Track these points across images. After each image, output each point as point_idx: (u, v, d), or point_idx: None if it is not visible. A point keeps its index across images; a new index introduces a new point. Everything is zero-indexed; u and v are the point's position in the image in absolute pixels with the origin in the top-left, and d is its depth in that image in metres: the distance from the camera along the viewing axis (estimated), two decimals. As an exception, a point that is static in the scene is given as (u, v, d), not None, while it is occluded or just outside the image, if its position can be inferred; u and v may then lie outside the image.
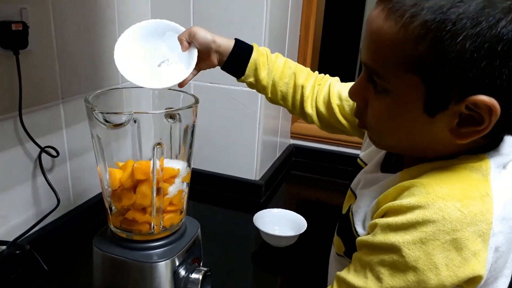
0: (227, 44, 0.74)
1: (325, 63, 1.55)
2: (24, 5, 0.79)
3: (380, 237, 0.47)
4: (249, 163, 1.22)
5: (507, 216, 0.47)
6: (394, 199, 0.49)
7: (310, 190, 1.42)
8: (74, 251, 0.94)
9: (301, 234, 0.98)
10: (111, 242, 0.75)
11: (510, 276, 0.54)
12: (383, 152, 0.61)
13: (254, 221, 1.01)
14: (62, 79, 0.92)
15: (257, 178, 1.24)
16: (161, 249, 0.74)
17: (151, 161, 0.71)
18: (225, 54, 0.74)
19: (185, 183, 0.77)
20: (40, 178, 0.90)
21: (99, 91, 0.75)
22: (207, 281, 0.77)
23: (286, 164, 1.46)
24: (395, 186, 0.50)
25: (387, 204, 0.49)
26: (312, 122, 0.78)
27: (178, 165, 0.76)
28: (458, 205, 0.44)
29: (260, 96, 1.13)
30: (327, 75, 0.79)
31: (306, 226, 0.99)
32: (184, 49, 0.73)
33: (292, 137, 1.54)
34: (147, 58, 0.74)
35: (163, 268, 0.72)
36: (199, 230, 0.82)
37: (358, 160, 0.68)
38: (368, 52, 0.50)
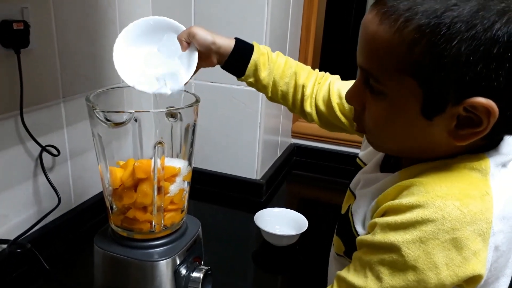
0: (228, 44, 0.73)
1: (326, 63, 1.55)
2: (25, 4, 0.79)
3: (380, 237, 0.47)
4: (250, 162, 1.22)
5: (508, 215, 0.47)
6: (394, 198, 0.49)
7: (311, 189, 1.42)
8: (75, 250, 0.95)
9: (302, 233, 0.98)
10: (112, 241, 0.75)
11: (511, 276, 0.54)
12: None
13: (255, 220, 1.01)
14: (63, 78, 0.92)
15: (258, 177, 1.24)
16: (162, 248, 0.74)
17: (152, 160, 0.71)
18: (225, 55, 0.73)
19: (186, 182, 0.77)
20: (41, 177, 0.90)
21: (100, 90, 0.75)
22: (208, 280, 0.77)
23: (287, 163, 1.46)
24: (394, 185, 0.50)
25: (386, 204, 0.49)
26: (312, 120, 0.78)
27: (179, 164, 0.76)
28: (457, 204, 0.44)
29: (261, 96, 1.13)
30: (327, 73, 0.79)
31: (307, 225, 0.99)
32: (183, 49, 0.72)
33: (293, 136, 1.54)
34: (147, 60, 0.73)
35: (164, 267, 0.72)
36: (200, 229, 0.82)
37: (357, 159, 0.68)
38: (363, 56, 0.50)
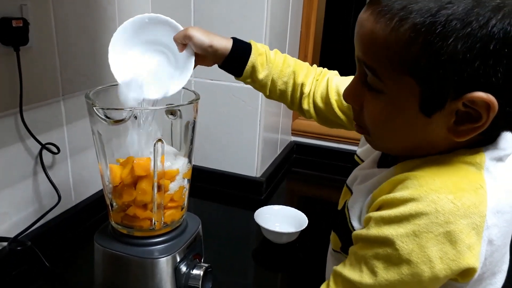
0: (225, 46, 0.71)
1: (326, 60, 1.55)
2: (24, 2, 0.79)
3: (374, 231, 0.47)
4: (250, 160, 1.22)
5: (502, 209, 0.47)
6: (389, 192, 0.49)
7: (311, 187, 1.42)
8: (75, 248, 0.95)
9: (302, 231, 0.98)
10: (112, 238, 0.75)
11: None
12: None
13: (255, 217, 1.01)
14: (62, 76, 0.92)
15: (258, 175, 1.24)
16: (162, 245, 0.74)
17: (152, 158, 0.71)
18: (222, 57, 0.72)
19: (186, 180, 0.77)
20: (41, 175, 0.90)
21: (100, 87, 0.75)
22: (208, 277, 0.78)
23: (287, 161, 1.46)
24: (389, 179, 0.50)
25: (381, 198, 0.49)
26: (310, 117, 0.78)
27: (178, 165, 0.76)
28: (451, 197, 0.44)
29: (261, 94, 1.12)
30: (325, 69, 0.79)
31: (307, 222, 0.99)
32: (180, 51, 0.70)
33: (293, 134, 1.54)
34: (144, 61, 0.72)
35: (164, 264, 0.72)
36: (200, 226, 0.82)
37: (355, 156, 0.68)
38: (362, 52, 0.50)
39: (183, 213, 0.80)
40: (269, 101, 1.18)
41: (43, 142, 0.88)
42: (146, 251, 0.73)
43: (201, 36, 0.69)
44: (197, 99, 0.74)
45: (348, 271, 0.50)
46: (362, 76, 0.51)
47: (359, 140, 0.70)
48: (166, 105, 0.72)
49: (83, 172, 1.02)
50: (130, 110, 0.66)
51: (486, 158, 0.49)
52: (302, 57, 1.44)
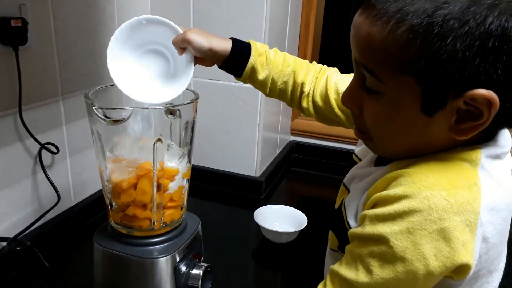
0: (224, 49, 0.70)
1: (325, 60, 1.54)
2: (23, 1, 0.79)
3: (369, 228, 0.47)
4: (249, 160, 1.22)
5: (497, 207, 0.47)
6: (383, 189, 0.49)
7: (311, 187, 1.42)
8: (75, 247, 0.95)
9: (301, 230, 0.98)
10: (111, 238, 0.75)
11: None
12: None
13: (254, 217, 1.01)
14: (61, 76, 0.91)
15: (258, 174, 1.24)
16: (162, 245, 0.74)
17: (151, 157, 0.71)
18: (222, 59, 0.71)
19: (185, 179, 0.77)
20: (40, 175, 0.90)
21: (99, 87, 0.75)
22: (207, 277, 0.78)
23: (286, 161, 1.46)
24: (384, 177, 0.50)
25: (375, 195, 0.49)
26: (309, 115, 0.78)
27: (177, 164, 0.76)
28: (444, 194, 0.44)
29: (261, 93, 1.12)
30: (325, 66, 0.79)
31: (306, 222, 0.99)
32: (179, 54, 0.70)
33: (292, 134, 1.54)
34: (143, 64, 0.71)
35: (164, 264, 0.72)
36: (199, 226, 0.82)
37: (353, 156, 0.68)
38: (359, 54, 0.50)
39: (182, 212, 0.80)
40: (268, 101, 1.19)
41: (42, 142, 0.88)
42: (145, 251, 0.73)
43: (200, 40, 0.68)
44: (197, 98, 0.74)
45: (344, 270, 0.50)
46: (360, 78, 0.51)
47: (358, 139, 0.70)
48: (166, 104, 0.72)
49: (83, 172, 1.02)
50: (129, 110, 0.66)
51: (482, 155, 0.49)
52: (301, 57, 1.44)
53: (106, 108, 0.66)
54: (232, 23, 1.10)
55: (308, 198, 1.36)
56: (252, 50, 0.72)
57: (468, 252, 0.45)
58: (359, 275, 0.48)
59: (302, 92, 0.76)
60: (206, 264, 0.78)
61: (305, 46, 1.44)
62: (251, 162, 1.22)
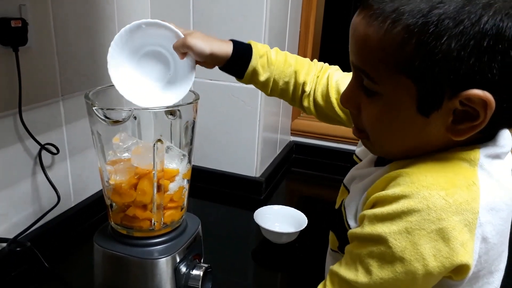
0: (225, 52, 0.70)
1: (325, 60, 1.54)
2: (23, 2, 0.79)
3: (368, 229, 0.47)
4: (249, 160, 1.22)
5: (497, 207, 0.47)
6: (382, 189, 0.49)
7: (311, 187, 1.42)
8: (75, 248, 0.95)
9: (301, 231, 0.98)
10: (111, 239, 0.75)
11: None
12: None
13: (254, 217, 1.01)
14: (61, 76, 0.91)
15: (258, 175, 1.24)
16: (162, 246, 0.74)
17: (152, 158, 0.71)
18: (223, 62, 0.71)
19: (185, 180, 0.77)
20: (40, 175, 0.90)
21: (99, 87, 0.75)
22: (208, 277, 0.77)
23: (286, 161, 1.46)
24: (383, 176, 0.50)
25: (374, 195, 0.49)
26: (310, 113, 0.78)
27: (177, 164, 0.75)
28: (442, 194, 0.44)
29: (261, 93, 1.13)
30: (326, 64, 0.79)
31: (306, 222, 0.99)
32: (180, 58, 0.69)
33: (292, 134, 1.54)
34: (144, 69, 0.71)
35: (164, 265, 0.72)
36: (199, 226, 0.82)
37: (354, 156, 0.68)
38: (356, 56, 0.50)
39: (182, 213, 0.80)
40: (268, 101, 1.19)
41: (42, 143, 0.88)
42: (145, 251, 0.73)
43: (201, 45, 0.68)
44: (197, 99, 0.74)
45: (344, 271, 0.50)
46: (358, 80, 0.51)
47: (358, 139, 0.70)
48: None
49: (83, 173, 1.02)
50: (130, 111, 0.66)
51: (481, 155, 0.48)
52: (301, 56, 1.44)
53: (107, 109, 0.66)
54: (232, 23, 1.10)
55: (308, 198, 1.36)
56: (253, 52, 0.72)
57: (467, 252, 0.45)
58: (359, 276, 0.48)
59: (303, 91, 0.76)
60: (206, 265, 0.77)
61: (305, 46, 1.44)
62: (251, 163, 1.22)
